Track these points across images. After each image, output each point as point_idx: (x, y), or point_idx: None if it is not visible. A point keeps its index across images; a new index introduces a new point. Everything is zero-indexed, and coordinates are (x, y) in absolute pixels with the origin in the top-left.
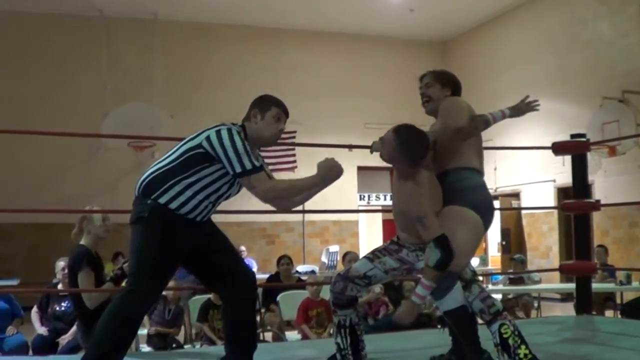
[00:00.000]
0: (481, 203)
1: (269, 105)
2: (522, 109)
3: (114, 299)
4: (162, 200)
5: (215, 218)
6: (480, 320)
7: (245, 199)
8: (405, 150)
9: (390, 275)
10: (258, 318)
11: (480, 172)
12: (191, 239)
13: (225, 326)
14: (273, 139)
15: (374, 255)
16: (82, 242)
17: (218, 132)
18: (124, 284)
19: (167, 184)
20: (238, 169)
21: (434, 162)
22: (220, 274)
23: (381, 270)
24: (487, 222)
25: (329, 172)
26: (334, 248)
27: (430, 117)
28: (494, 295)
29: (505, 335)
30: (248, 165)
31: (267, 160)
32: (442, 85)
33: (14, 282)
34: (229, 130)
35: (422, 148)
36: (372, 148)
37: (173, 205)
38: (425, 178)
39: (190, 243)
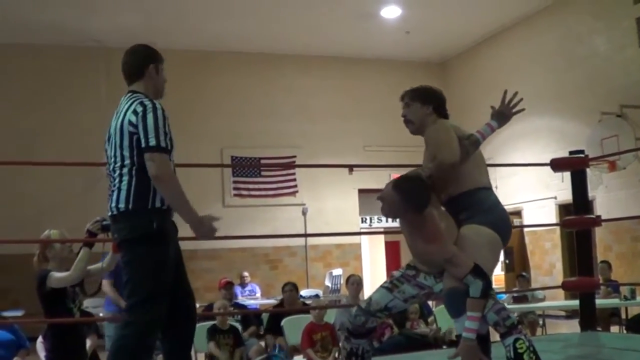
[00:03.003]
0: (497, 221)
1: (160, 58)
2: (505, 112)
3: (127, 328)
4: (157, 204)
5: (218, 244)
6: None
7: (248, 225)
8: (410, 203)
9: (410, 303)
10: (263, 343)
11: (490, 189)
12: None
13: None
14: (163, 91)
15: (392, 284)
16: (48, 268)
17: (135, 112)
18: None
19: (151, 187)
20: (143, 143)
21: (438, 190)
22: (174, 304)
23: (401, 300)
24: (505, 237)
25: (204, 222)
26: (337, 271)
27: None
28: None
29: (520, 351)
30: (155, 142)
31: (268, 186)
32: (422, 103)
33: (19, 313)
34: (143, 104)
35: (425, 196)
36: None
37: (159, 204)
38: (435, 216)
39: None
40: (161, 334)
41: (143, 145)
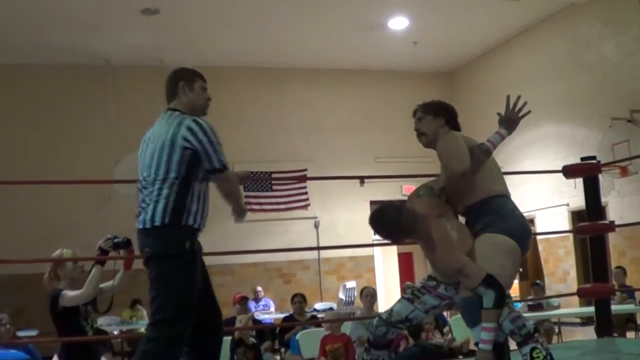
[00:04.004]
0: (514, 228)
1: (193, 77)
2: (512, 117)
3: (149, 344)
4: (190, 222)
5: (231, 259)
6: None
7: (260, 239)
8: (395, 233)
9: (431, 313)
10: (278, 357)
11: (507, 196)
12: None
13: None
14: (204, 109)
15: (413, 295)
16: (59, 286)
17: (189, 128)
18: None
19: (187, 203)
20: (217, 165)
21: (454, 202)
22: (201, 321)
23: (422, 311)
24: (524, 245)
25: (244, 207)
26: (350, 284)
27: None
28: None
29: None
30: (224, 161)
31: (279, 200)
32: (434, 116)
33: (33, 333)
34: (197, 122)
35: (397, 221)
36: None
37: (192, 222)
38: (445, 227)
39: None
40: (188, 350)
41: (216, 165)
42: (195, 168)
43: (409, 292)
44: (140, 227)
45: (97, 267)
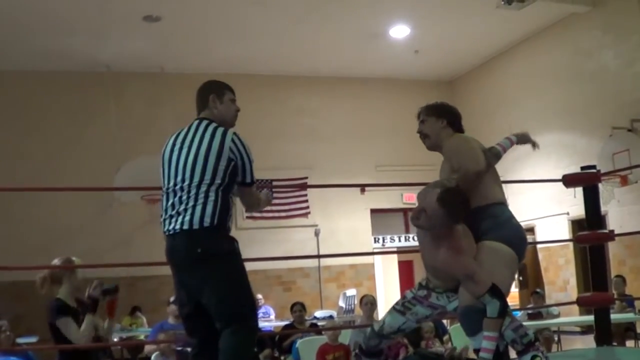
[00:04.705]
0: (512, 236)
1: (223, 90)
2: (526, 137)
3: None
4: (229, 224)
5: None
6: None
7: (261, 247)
8: (452, 215)
9: (423, 322)
10: None
11: (505, 204)
12: None
13: None
14: (234, 120)
15: (404, 307)
16: (59, 295)
17: (233, 141)
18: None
19: (229, 208)
20: (248, 180)
21: None
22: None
23: (414, 321)
24: (520, 253)
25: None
26: (351, 292)
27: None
28: None
29: None
30: (254, 178)
31: (280, 207)
32: (436, 117)
33: (33, 339)
34: (238, 137)
35: (465, 208)
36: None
37: (229, 224)
38: (460, 232)
39: None
40: (198, 352)
41: (248, 180)
42: (234, 178)
43: (400, 303)
44: (186, 228)
45: (89, 317)
